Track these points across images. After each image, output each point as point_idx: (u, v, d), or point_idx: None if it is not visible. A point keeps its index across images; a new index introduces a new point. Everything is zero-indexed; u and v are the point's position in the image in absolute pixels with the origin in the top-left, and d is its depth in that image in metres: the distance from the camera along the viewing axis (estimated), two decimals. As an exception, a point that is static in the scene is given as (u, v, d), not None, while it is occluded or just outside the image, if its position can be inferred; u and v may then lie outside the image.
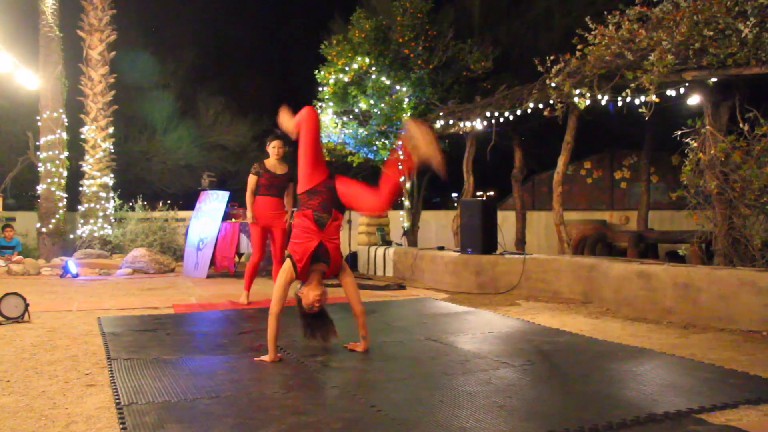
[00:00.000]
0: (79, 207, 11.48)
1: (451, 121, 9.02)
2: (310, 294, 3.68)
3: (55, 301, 6.24)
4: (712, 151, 5.62)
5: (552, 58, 6.77)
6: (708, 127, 5.76)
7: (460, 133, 9.18)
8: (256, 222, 6.03)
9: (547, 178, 11.98)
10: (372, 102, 10.14)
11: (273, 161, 6.06)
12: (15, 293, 5.00)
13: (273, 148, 6.03)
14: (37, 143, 11.27)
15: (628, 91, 6.09)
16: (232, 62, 19.99)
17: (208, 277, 8.66)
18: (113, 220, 11.56)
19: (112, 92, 11.68)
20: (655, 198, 11.40)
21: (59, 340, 4.33)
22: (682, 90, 6.15)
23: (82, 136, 11.52)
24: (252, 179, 6.02)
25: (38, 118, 11.13)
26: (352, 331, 4.80)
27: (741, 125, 5.53)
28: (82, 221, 11.31)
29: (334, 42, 10.64)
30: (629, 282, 5.48)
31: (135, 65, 14.91)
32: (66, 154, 11.24)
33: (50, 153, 10.97)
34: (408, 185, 11.10)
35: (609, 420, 2.61)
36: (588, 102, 6.51)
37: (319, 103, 10.79)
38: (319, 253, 3.66)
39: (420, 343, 4.30)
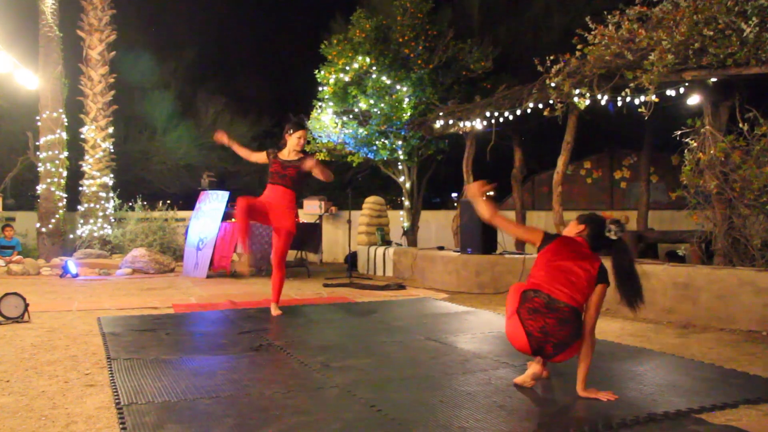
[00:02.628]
0: (79, 207, 11.48)
1: (451, 121, 9.02)
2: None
3: (55, 301, 6.24)
4: (711, 151, 5.62)
5: (552, 58, 6.77)
6: (708, 127, 5.76)
7: (460, 133, 9.18)
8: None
9: (547, 178, 11.98)
10: (372, 102, 10.14)
11: (288, 151, 5.42)
12: (15, 293, 5.00)
13: (298, 138, 5.39)
14: (37, 143, 11.26)
15: (627, 90, 6.09)
16: (232, 62, 20.02)
17: (208, 277, 8.66)
18: (113, 220, 11.56)
19: (112, 92, 11.68)
20: (655, 198, 11.40)
21: (59, 340, 4.33)
22: (681, 90, 6.15)
23: (82, 136, 11.52)
24: (261, 154, 5.57)
25: (38, 118, 11.12)
26: (352, 332, 4.81)
27: (741, 125, 5.54)
28: (81, 221, 11.31)
29: (335, 42, 10.65)
30: (629, 282, 5.47)
31: (135, 65, 14.91)
32: (66, 154, 11.23)
33: (50, 153, 10.97)
34: (408, 185, 11.10)
35: (609, 420, 2.62)
36: (588, 102, 6.51)
37: (319, 103, 10.80)
38: None
39: (420, 343, 4.30)
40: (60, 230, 10.99)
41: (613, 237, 3.14)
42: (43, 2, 10.94)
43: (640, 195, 10.05)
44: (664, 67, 5.57)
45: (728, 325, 4.71)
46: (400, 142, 10.49)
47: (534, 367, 3.18)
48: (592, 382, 3.25)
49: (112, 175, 11.70)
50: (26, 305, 5.01)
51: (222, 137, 5.63)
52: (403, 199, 11.40)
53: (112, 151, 11.78)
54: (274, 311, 5.40)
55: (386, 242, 9.81)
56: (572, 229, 3.26)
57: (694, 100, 6.20)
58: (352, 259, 9.70)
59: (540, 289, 3.03)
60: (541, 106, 7.20)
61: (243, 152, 5.75)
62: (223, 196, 9.09)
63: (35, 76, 10.42)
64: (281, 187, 5.36)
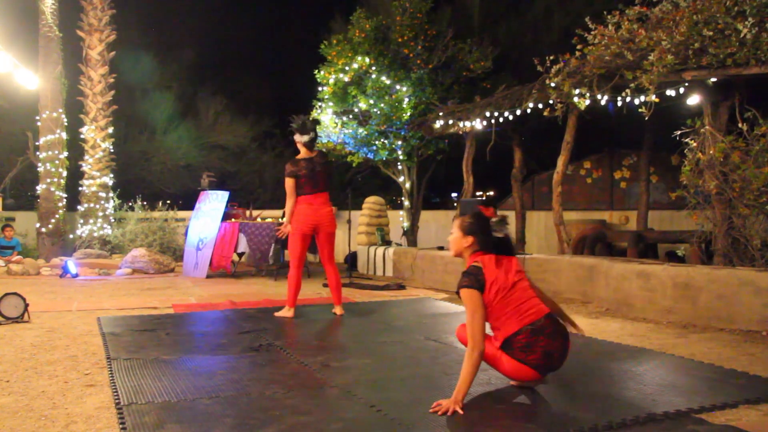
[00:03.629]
0: (79, 207, 11.48)
1: (450, 121, 9.02)
2: None
3: (55, 301, 6.24)
4: (711, 151, 5.63)
5: (552, 58, 6.78)
6: (707, 127, 5.76)
7: (460, 133, 9.19)
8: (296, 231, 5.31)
9: (547, 178, 11.99)
10: (372, 102, 10.14)
11: (305, 152, 5.37)
12: (15, 293, 5.00)
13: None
14: (37, 143, 11.26)
15: (627, 91, 6.09)
16: (232, 62, 19.99)
17: (208, 277, 8.66)
18: (113, 220, 11.56)
19: (112, 92, 11.68)
20: (654, 198, 11.40)
21: (59, 340, 4.33)
22: (681, 90, 6.15)
23: (82, 136, 11.52)
24: (290, 182, 5.27)
25: (38, 118, 11.13)
26: (352, 332, 4.81)
27: (740, 125, 5.54)
28: (81, 221, 11.31)
29: (334, 42, 10.65)
30: (629, 282, 5.48)
31: (135, 65, 14.91)
32: (65, 154, 11.24)
33: (50, 153, 10.97)
34: (408, 185, 11.10)
35: (609, 420, 2.61)
36: (588, 102, 6.52)
37: (319, 103, 10.80)
38: None
39: (420, 343, 4.30)
40: (60, 230, 11.00)
41: (501, 236, 3.08)
42: (43, 2, 10.94)
43: (640, 195, 10.05)
44: (663, 67, 5.57)
45: (728, 325, 4.71)
46: (399, 142, 10.49)
47: None
48: (591, 382, 3.26)
49: (112, 175, 11.70)
50: (26, 305, 5.01)
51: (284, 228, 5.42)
52: (402, 199, 11.40)
53: (112, 151, 11.79)
54: (340, 311, 5.45)
55: (386, 242, 9.81)
56: (461, 242, 3.10)
57: (694, 100, 6.20)
58: (352, 259, 9.70)
59: (520, 328, 2.97)
60: (541, 106, 7.20)
61: (291, 203, 5.37)
62: (222, 196, 9.09)
63: (35, 76, 10.41)
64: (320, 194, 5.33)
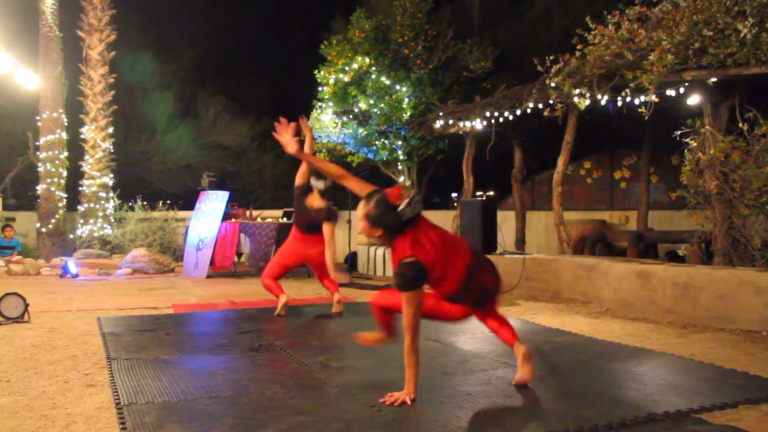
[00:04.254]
0: (79, 207, 11.47)
1: (450, 121, 9.02)
2: None
3: (55, 301, 6.24)
4: (711, 151, 5.63)
5: (552, 58, 6.77)
6: (708, 127, 5.76)
7: (460, 133, 9.18)
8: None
9: (547, 178, 11.97)
10: (372, 102, 10.14)
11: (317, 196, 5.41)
12: (15, 293, 5.00)
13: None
14: (37, 143, 11.25)
15: (627, 91, 6.09)
16: (232, 62, 19.98)
17: (208, 277, 8.66)
18: (113, 220, 11.55)
19: (112, 92, 11.67)
20: (655, 198, 11.40)
21: (59, 340, 4.33)
22: (681, 90, 6.15)
23: (82, 136, 11.51)
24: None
25: (38, 118, 11.12)
26: (352, 331, 4.81)
27: (741, 125, 5.54)
28: (81, 221, 11.30)
29: (334, 42, 10.66)
30: (629, 282, 5.48)
31: (135, 65, 14.90)
32: (66, 154, 11.23)
33: (50, 153, 10.97)
34: (408, 185, 11.11)
35: (609, 420, 2.61)
36: (588, 102, 6.51)
37: (319, 103, 10.80)
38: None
39: (420, 343, 4.28)
40: (60, 230, 10.99)
41: (413, 214, 2.94)
42: (43, 2, 10.93)
43: (640, 195, 10.05)
44: (664, 67, 5.57)
45: (728, 325, 4.71)
46: (399, 142, 10.49)
47: (520, 355, 3.19)
48: (591, 382, 3.26)
49: (112, 175, 11.69)
50: (26, 305, 5.01)
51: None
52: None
53: (112, 151, 11.77)
54: (339, 308, 5.62)
55: (386, 242, 9.80)
56: (370, 232, 3.02)
57: (694, 100, 6.20)
58: (352, 259, 9.70)
59: (460, 282, 3.01)
60: (541, 106, 7.20)
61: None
62: (223, 196, 9.09)
63: (35, 76, 10.41)
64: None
